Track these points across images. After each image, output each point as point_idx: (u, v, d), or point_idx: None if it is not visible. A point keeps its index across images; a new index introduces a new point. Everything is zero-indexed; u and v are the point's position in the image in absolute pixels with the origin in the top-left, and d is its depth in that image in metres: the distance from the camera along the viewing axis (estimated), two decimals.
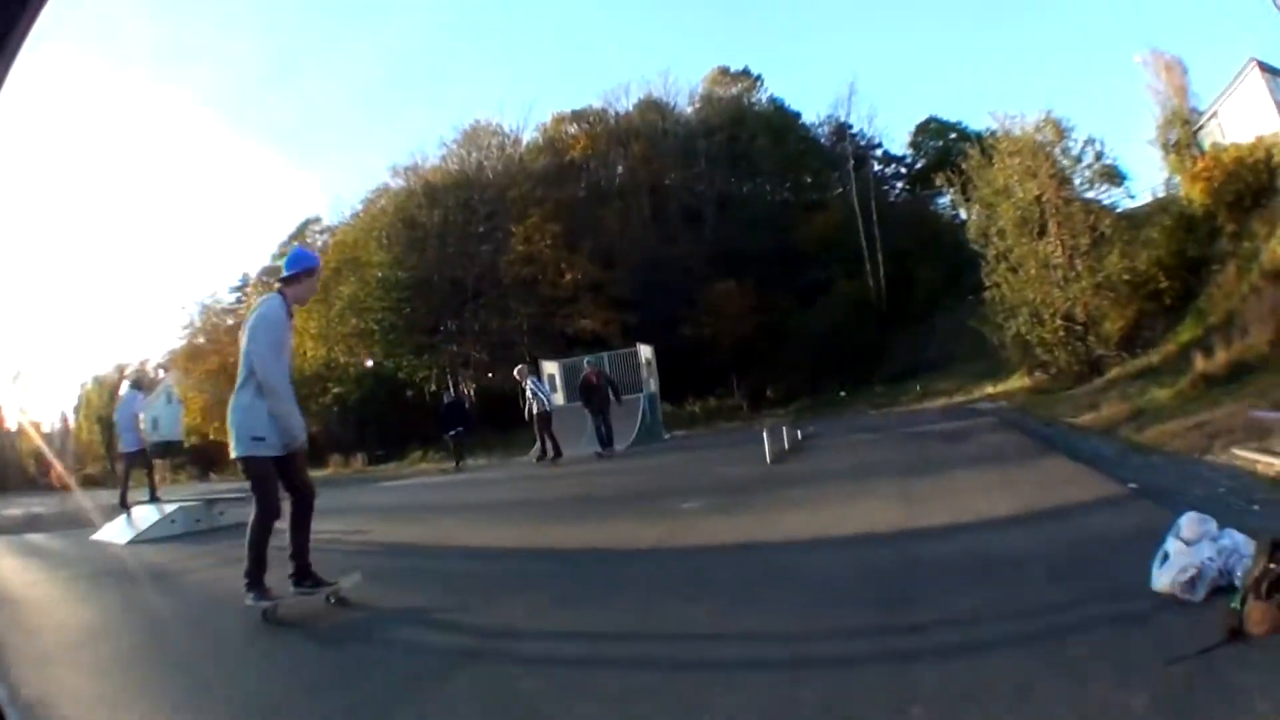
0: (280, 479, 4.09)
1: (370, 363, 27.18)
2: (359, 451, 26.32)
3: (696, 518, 5.80)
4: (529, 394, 14.18)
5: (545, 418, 13.98)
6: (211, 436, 30.12)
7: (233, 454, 4.10)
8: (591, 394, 14.25)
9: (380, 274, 28.90)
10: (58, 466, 15.53)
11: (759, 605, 3.30)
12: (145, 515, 8.66)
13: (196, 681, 3.14)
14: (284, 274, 4.24)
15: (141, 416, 11.88)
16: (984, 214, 15.73)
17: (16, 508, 14.64)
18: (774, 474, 8.18)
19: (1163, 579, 2.50)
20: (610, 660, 2.91)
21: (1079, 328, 13.85)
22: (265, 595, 4.00)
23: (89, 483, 13.49)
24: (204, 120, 48.58)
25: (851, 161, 32.05)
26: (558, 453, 13.79)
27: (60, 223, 46.97)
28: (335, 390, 26.61)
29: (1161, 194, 16.82)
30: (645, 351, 19.83)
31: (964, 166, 16.24)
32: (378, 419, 27.86)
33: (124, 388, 11.47)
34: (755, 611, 3.21)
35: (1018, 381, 16.45)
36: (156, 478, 11.61)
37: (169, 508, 8.83)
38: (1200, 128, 17.06)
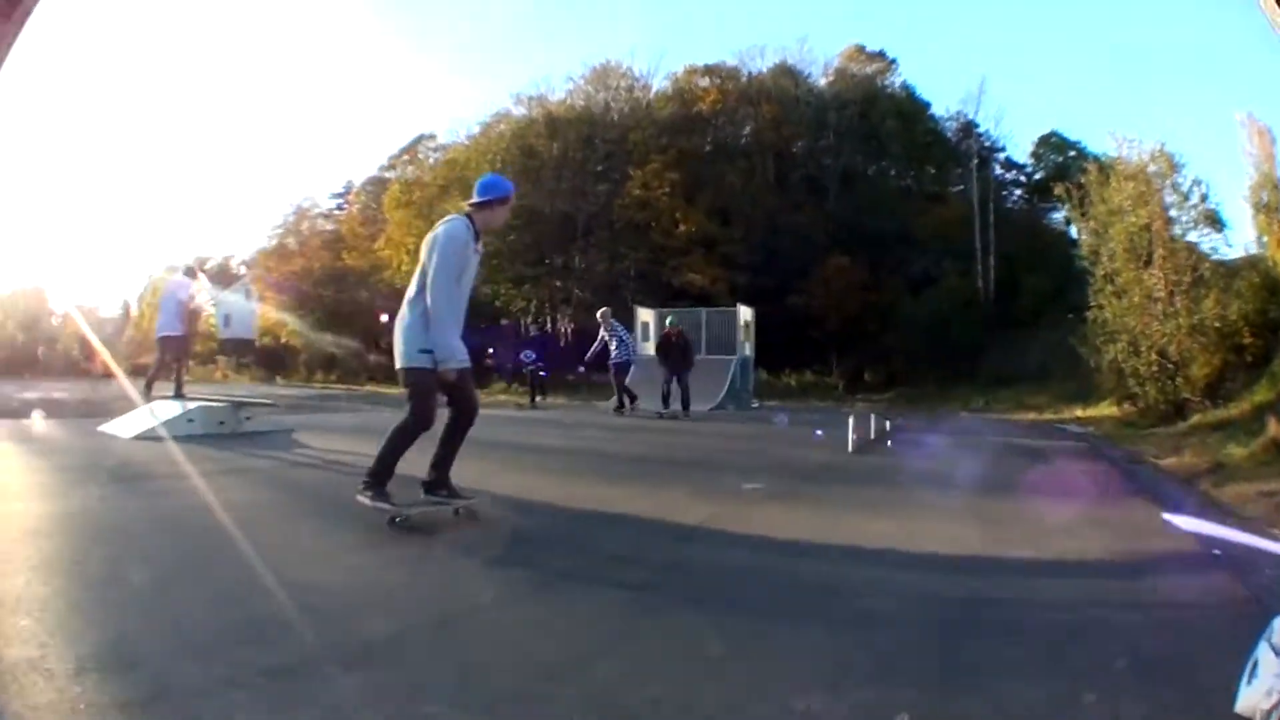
0: (444, 392, 4.16)
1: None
2: None
3: (754, 501, 5.51)
4: (611, 342, 14.00)
5: (622, 367, 13.94)
6: (283, 339, 31.28)
7: (397, 364, 4.15)
8: (667, 352, 14.08)
9: None
10: (102, 353, 15.54)
11: (775, 632, 2.78)
12: (164, 410, 8.11)
13: (119, 596, 2.91)
14: (475, 199, 4.21)
15: (210, 308, 11.35)
16: (1097, 232, 15.85)
17: (37, 391, 14.39)
18: (852, 465, 7.93)
19: (1248, 699, 2.17)
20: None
21: (1170, 366, 13.97)
22: (386, 499, 3.99)
23: (138, 371, 13.41)
24: (333, 13, 49.34)
25: (976, 160, 31.90)
26: (632, 398, 13.86)
27: (165, 109, 48.17)
28: None
29: (1254, 250, 16.76)
30: (745, 313, 19.98)
31: (1083, 181, 16.38)
32: (467, 345, 28.62)
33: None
34: (766, 642, 2.67)
35: (1107, 409, 16.74)
36: (210, 371, 10.59)
37: (191, 405, 8.31)
38: None
